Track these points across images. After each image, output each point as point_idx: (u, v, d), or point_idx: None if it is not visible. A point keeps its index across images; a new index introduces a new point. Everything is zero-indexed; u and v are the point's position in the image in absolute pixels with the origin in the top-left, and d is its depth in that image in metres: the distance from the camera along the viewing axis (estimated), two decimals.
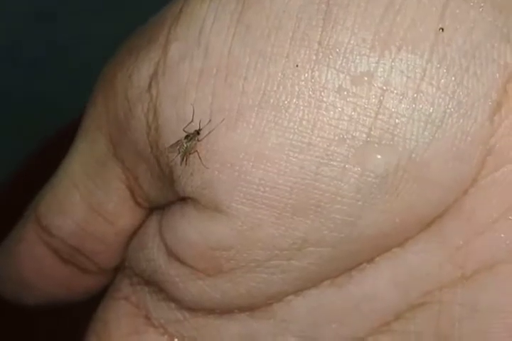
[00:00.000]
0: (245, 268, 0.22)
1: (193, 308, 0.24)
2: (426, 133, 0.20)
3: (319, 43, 0.20)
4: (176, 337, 0.25)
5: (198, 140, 0.21)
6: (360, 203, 0.20)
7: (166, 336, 0.25)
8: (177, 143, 0.22)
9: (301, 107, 0.20)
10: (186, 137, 0.22)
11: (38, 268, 0.27)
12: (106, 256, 0.27)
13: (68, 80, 0.52)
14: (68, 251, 0.26)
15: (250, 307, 0.23)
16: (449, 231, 0.21)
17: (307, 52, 0.20)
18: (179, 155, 0.22)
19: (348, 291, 0.22)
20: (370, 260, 0.22)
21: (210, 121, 0.21)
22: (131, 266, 0.25)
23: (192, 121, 0.22)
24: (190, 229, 0.23)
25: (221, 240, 0.22)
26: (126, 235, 0.26)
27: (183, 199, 0.23)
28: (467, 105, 0.20)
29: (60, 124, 0.44)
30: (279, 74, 0.21)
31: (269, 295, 0.23)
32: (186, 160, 0.22)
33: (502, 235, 0.21)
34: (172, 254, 0.23)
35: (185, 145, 0.22)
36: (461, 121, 0.20)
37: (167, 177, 0.24)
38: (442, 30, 0.19)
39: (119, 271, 0.27)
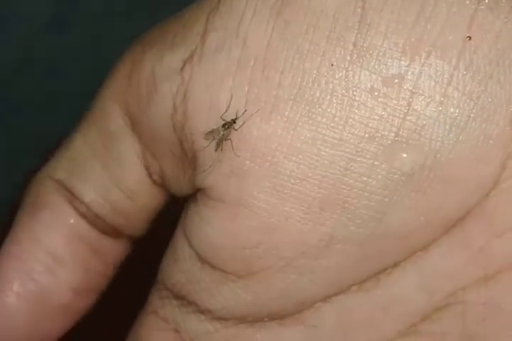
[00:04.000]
0: (274, 268, 0.22)
1: (224, 317, 0.24)
2: (451, 135, 0.21)
3: (354, 44, 0.21)
4: None
5: (235, 129, 0.22)
6: (387, 200, 0.21)
7: None
8: (213, 130, 0.23)
9: (334, 104, 0.21)
10: (224, 125, 0.22)
11: (70, 234, 0.27)
12: (127, 227, 0.27)
13: (79, 82, 0.52)
14: (91, 218, 0.27)
15: (281, 315, 0.23)
16: (472, 232, 0.22)
17: (342, 52, 0.21)
18: (214, 142, 0.23)
19: (375, 296, 0.23)
20: (396, 264, 0.22)
21: (245, 110, 0.22)
22: (163, 279, 0.25)
23: (228, 108, 0.22)
24: (214, 231, 0.23)
25: (248, 236, 0.22)
26: (147, 212, 0.27)
27: (195, 200, 0.24)
28: (490, 110, 0.21)
29: (72, 126, 0.45)
30: (315, 71, 0.21)
31: (299, 300, 0.23)
32: (222, 147, 0.22)
33: None
34: (204, 260, 0.24)
35: (221, 133, 0.22)
36: (484, 125, 0.21)
37: (188, 161, 0.24)
38: (470, 38, 0.20)
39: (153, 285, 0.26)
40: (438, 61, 0.21)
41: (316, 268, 0.22)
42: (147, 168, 0.25)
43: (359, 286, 0.23)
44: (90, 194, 0.26)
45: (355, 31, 0.21)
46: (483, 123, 0.21)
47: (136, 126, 0.25)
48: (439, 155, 0.21)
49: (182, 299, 0.25)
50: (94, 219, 0.26)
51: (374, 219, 0.21)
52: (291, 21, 0.22)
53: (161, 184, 0.26)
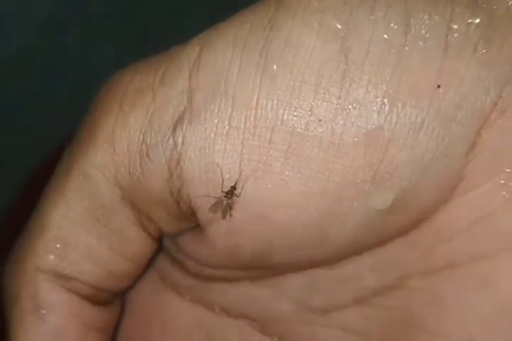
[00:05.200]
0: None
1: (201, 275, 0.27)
2: (418, 172, 0.23)
3: (338, 98, 0.22)
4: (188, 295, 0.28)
5: (237, 196, 0.23)
6: (361, 229, 0.24)
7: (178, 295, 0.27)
8: (216, 202, 0.23)
9: (321, 156, 0.23)
10: (226, 195, 0.23)
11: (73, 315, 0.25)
12: (124, 287, 0.27)
13: (79, 82, 0.53)
14: (89, 293, 0.26)
15: (254, 277, 0.26)
16: (424, 238, 0.24)
17: (328, 106, 0.22)
18: (220, 212, 0.23)
19: (336, 272, 0.26)
20: (357, 253, 0.25)
21: (241, 174, 0.23)
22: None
23: (222, 180, 0.23)
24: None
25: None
26: (144, 266, 0.27)
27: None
28: (451, 148, 0.23)
29: (72, 129, 0.45)
30: (303, 127, 0.23)
31: (271, 268, 0.26)
32: (230, 214, 0.23)
33: (463, 244, 0.24)
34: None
35: (226, 202, 0.23)
36: (445, 159, 0.23)
37: (187, 218, 0.24)
38: (439, 86, 0.22)
39: None
40: (412, 110, 0.22)
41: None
42: (146, 231, 0.25)
43: (324, 265, 0.26)
44: (90, 270, 0.25)
45: (339, 85, 0.22)
46: (444, 158, 0.23)
47: (127, 195, 0.24)
48: (407, 191, 0.23)
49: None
50: (91, 293, 0.26)
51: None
52: (278, 78, 0.22)
53: (159, 237, 0.26)
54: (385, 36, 0.22)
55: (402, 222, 0.24)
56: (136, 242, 0.25)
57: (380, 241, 0.25)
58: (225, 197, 0.23)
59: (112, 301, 0.27)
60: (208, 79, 0.23)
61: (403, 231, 0.25)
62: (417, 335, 0.25)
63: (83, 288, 0.25)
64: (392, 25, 0.22)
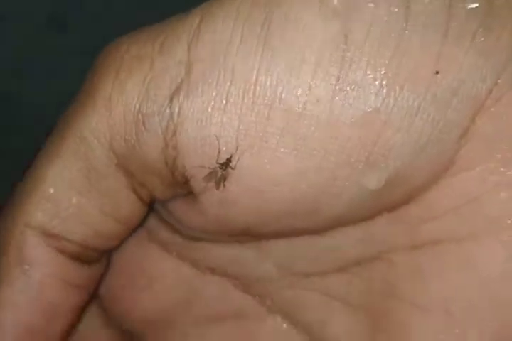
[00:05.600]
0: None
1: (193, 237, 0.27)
2: (413, 155, 0.23)
3: (337, 79, 0.22)
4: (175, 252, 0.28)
5: (232, 168, 0.23)
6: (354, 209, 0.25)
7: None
8: (211, 173, 0.23)
9: (316, 136, 0.23)
10: (221, 167, 0.23)
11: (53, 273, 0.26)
12: (111, 246, 0.28)
13: (79, 82, 0.52)
14: (74, 249, 0.26)
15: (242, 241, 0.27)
16: (411, 214, 0.25)
17: (327, 87, 0.22)
18: (214, 182, 0.23)
19: (324, 240, 0.27)
20: (345, 225, 0.26)
21: (237, 148, 0.23)
22: None
23: (219, 152, 0.23)
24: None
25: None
26: (133, 228, 0.27)
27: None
28: (445, 132, 0.23)
29: None
30: (301, 106, 0.22)
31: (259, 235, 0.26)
32: (224, 185, 0.23)
33: (448, 224, 0.25)
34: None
35: (220, 173, 0.23)
36: (439, 144, 0.23)
37: (180, 186, 0.25)
38: (437, 72, 0.22)
39: None
40: (409, 94, 0.22)
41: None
42: (138, 195, 0.26)
43: (313, 234, 0.26)
44: (78, 230, 0.25)
45: (339, 65, 0.22)
46: (438, 142, 0.23)
47: (122, 161, 0.24)
48: (400, 172, 0.23)
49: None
50: (77, 251, 0.26)
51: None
52: (279, 53, 0.22)
53: (150, 201, 0.26)
54: (386, 19, 0.22)
55: (392, 199, 0.25)
56: (127, 206, 0.25)
57: (370, 216, 0.25)
58: (219, 168, 0.23)
59: (98, 260, 0.27)
60: (207, 50, 0.23)
61: (392, 207, 0.25)
62: (396, 306, 0.26)
63: (69, 247, 0.25)
64: (392, 8, 0.22)
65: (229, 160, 0.23)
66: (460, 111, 0.23)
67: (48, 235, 0.25)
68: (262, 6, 0.22)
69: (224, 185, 0.23)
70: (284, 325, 0.28)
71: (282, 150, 0.23)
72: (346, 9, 0.22)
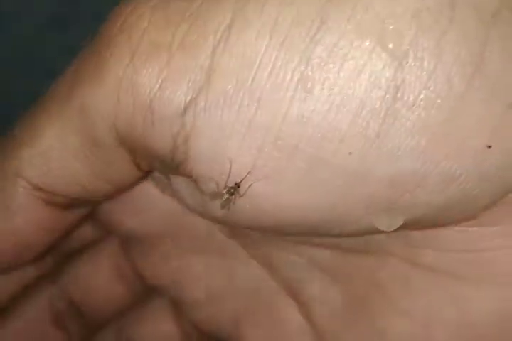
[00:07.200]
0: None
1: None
2: (434, 213, 0.22)
3: (377, 136, 0.20)
4: None
5: (240, 195, 0.21)
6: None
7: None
8: (216, 193, 0.22)
9: (340, 184, 0.21)
10: (228, 191, 0.21)
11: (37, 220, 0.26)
12: (101, 201, 0.28)
13: None
14: (60, 201, 0.26)
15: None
16: (416, 239, 0.25)
17: (363, 142, 0.20)
18: (220, 203, 0.22)
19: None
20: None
21: (248, 173, 0.21)
22: None
23: (229, 174, 0.21)
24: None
25: None
26: (125, 190, 0.27)
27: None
28: (475, 200, 0.22)
29: None
30: (330, 154, 0.20)
31: None
32: (228, 208, 0.22)
33: (449, 259, 0.24)
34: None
35: (226, 197, 0.22)
36: (465, 206, 0.22)
37: (185, 176, 0.24)
38: (489, 147, 0.20)
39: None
40: (452, 164, 0.21)
41: None
42: (136, 165, 0.24)
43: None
44: (67, 188, 0.25)
45: (381, 122, 0.20)
46: (466, 206, 0.22)
47: (124, 141, 0.23)
48: (416, 221, 0.22)
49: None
50: (63, 202, 0.26)
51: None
52: (314, 93, 0.20)
53: (148, 171, 0.26)
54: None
55: (403, 234, 0.24)
56: (123, 172, 0.25)
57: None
58: (226, 192, 0.22)
59: (85, 206, 0.27)
60: (233, 65, 0.20)
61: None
62: (377, 297, 0.26)
63: (56, 199, 0.25)
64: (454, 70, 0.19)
65: (237, 185, 0.21)
66: (495, 183, 0.21)
67: (36, 188, 0.25)
68: (308, 26, 0.19)
69: (228, 209, 0.22)
70: (263, 272, 0.28)
71: (300, 189, 0.21)
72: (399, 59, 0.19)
